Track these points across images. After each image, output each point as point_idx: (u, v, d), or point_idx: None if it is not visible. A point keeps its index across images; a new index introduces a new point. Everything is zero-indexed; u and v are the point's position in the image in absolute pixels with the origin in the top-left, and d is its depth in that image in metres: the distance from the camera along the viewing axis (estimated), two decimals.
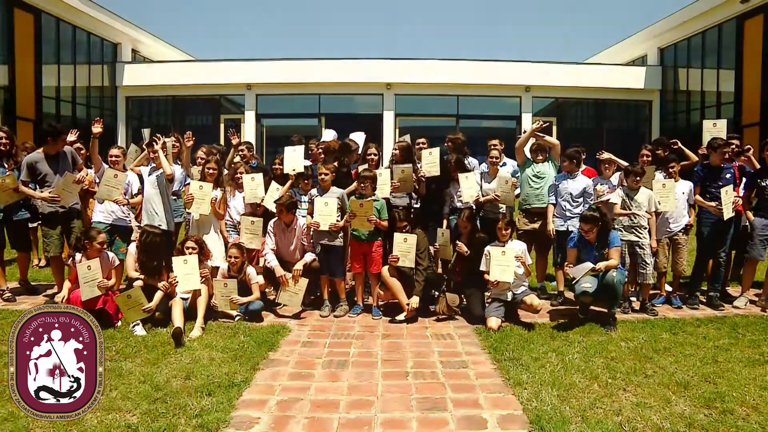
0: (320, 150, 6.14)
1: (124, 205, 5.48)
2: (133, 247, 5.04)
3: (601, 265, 4.77)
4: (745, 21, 14.39)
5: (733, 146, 5.83)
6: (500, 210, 5.78)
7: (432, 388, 3.55)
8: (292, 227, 5.38)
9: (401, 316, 5.05)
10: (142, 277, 4.88)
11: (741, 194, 5.71)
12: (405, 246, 5.07)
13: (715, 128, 6.14)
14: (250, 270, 5.19)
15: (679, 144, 6.25)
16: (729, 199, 5.37)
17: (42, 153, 5.50)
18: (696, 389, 3.49)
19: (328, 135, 7.39)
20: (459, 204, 5.72)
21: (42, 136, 5.49)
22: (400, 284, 5.11)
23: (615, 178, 5.99)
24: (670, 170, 5.72)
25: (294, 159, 5.79)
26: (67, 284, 4.91)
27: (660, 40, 18.12)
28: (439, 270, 5.94)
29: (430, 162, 5.67)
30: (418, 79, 17.30)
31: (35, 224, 6.52)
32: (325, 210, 5.22)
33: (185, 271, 4.75)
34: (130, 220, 5.70)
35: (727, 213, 5.37)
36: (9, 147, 5.69)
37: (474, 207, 5.67)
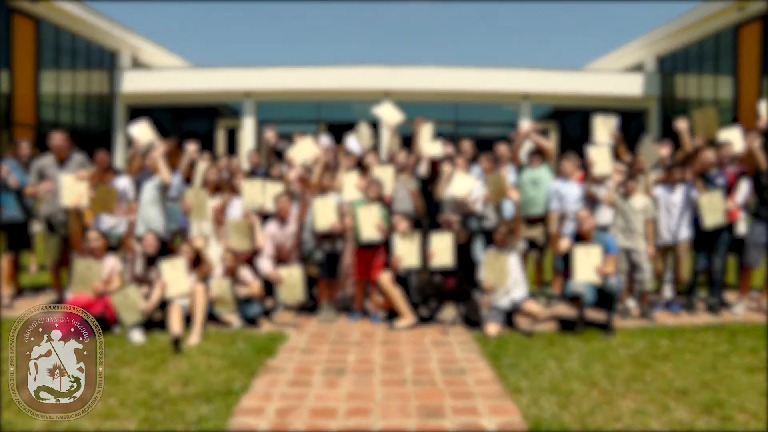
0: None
1: (121, 215, 5.48)
2: (138, 264, 5.04)
3: (595, 273, 4.77)
4: (742, 29, 14.50)
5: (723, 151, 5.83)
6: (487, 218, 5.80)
7: (431, 394, 3.54)
8: (288, 221, 5.39)
9: (400, 323, 5.04)
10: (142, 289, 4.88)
11: (739, 201, 5.69)
12: (407, 245, 5.06)
13: (706, 117, 5.92)
14: (245, 272, 5.17)
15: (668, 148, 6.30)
16: (714, 205, 5.37)
17: (51, 158, 5.59)
18: (695, 396, 3.48)
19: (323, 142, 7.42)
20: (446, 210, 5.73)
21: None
22: (398, 292, 5.10)
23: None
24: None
25: (305, 150, 5.83)
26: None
27: (657, 47, 18.21)
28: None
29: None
30: (417, 86, 17.36)
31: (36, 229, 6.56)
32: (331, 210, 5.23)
33: (173, 275, 4.75)
34: (121, 226, 5.69)
35: (710, 219, 5.37)
36: (29, 158, 5.86)
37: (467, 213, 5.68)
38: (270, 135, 6.57)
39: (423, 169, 5.84)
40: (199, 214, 5.32)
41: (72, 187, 5.24)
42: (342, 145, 7.22)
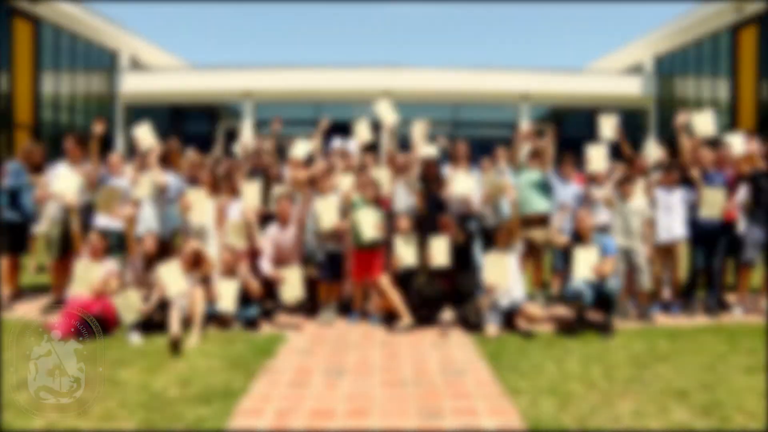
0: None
1: (122, 217, 5.49)
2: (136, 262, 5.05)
3: (593, 272, 4.79)
4: (740, 30, 14.53)
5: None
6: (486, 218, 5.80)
7: (430, 395, 3.54)
8: (288, 222, 5.40)
9: (399, 324, 5.04)
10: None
11: (738, 201, 5.70)
12: (407, 244, 5.07)
13: (703, 120, 5.89)
14: (244, 272, 5.17)
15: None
16: (714, 200, 5.39)
17: (67, 161, 5.69)
18: (694, 397, 3.48)
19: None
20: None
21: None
22: (397, 294, 5.10)
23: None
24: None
25: (301, 148, 5.93)
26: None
27: (656, 48, 18.24)
28: None
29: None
30: (416, 87, 17.39)
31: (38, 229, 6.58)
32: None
33: (170, 276, 4.77)
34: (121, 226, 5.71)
35: (706, 212, 5.39)
36: (40, 161, 5.93)
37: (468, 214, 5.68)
38: (277, 126, 6.70)
39: (415, 170, 5.84)
40: (198, 215, 5.34)
41: (66, 179, 5.33)
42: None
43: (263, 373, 3.89)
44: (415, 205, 5.78)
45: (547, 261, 6.48)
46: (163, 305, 4.75)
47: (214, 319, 5.03)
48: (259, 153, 6.45)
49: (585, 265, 4.82)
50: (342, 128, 7.98)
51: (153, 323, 4.72)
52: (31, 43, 14.28)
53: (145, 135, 5.73)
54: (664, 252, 5.73)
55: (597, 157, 5.70)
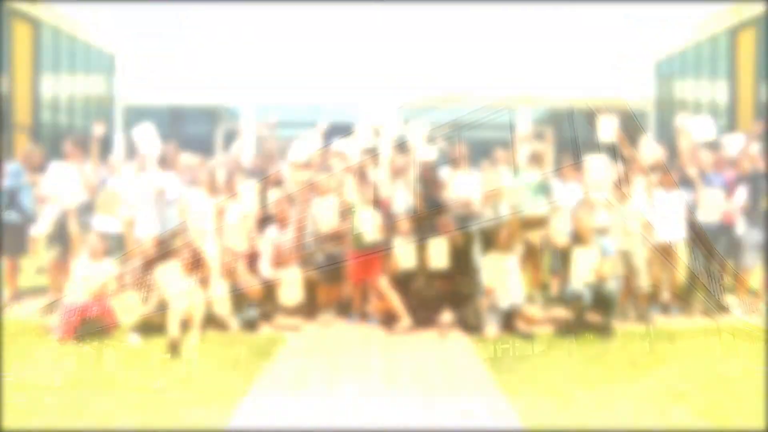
0: None
1: (121, 219, 5.51)
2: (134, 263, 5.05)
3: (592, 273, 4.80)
4: (739, 33, 14.54)
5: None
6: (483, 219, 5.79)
7: (429, 397, 3.54)
8: (287, 225, 5.39)
9: (399, 325, 5.04)
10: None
11: (737, 203, 5.70)
12: (406, 246, 5.07)
13: (701, 125, 6.02)
14: (243, 274, 5.17)
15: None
16: (712, 202, 5.42)
17: (66, 162, 5.70)
18: (694, 398, 3.48)
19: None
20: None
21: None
22: (396, 295, 5.10)
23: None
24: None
25: (302, 149, 5.95)
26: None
27: (655, 49, 18.26)
28: None
29: None
30: (416, 87, 17.39)
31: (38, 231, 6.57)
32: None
33: (169, 278, 4.76)
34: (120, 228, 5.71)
35: (705, 215, 5.43)
36: (40, 163, 5.94)
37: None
38: (276, 127, 6.71)
39: (414, 172, 5.84)
40: (197, 216, 5.34)
41: (59, 178, 5.34)
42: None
43: (262, 375, 3.89)
44: (414, 206, 5.76)
45: (546, 262, 6.48)
46: (162, 307, 4.75)
47: (213, 320, 5.03)
48: (259, 153, 6.47)
49: (584, 266, 4.84)
50: (342, 129, 7.97)
51: (152, 325, 4.72)
52: (31, 45, 14.29)
53: (146, 136, 5.73)
54: (663, 253, 5.73)
55: (597, 168, 5.72)
